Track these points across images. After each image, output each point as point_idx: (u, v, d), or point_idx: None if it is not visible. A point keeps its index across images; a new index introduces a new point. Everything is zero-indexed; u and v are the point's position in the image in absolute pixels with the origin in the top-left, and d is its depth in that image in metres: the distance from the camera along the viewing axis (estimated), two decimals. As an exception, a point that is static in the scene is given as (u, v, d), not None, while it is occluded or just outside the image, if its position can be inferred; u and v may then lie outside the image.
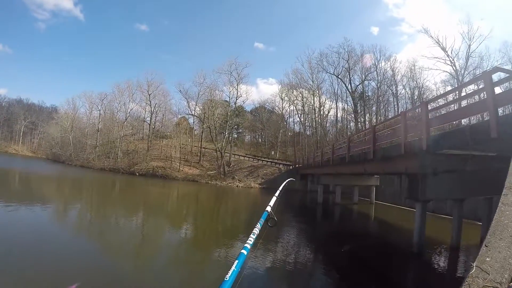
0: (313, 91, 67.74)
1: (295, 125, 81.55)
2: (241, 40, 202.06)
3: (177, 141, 68.11)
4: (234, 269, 1.66)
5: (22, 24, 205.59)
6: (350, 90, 64.91)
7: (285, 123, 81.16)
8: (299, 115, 72.96)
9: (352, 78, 65.45)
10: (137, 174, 61.08)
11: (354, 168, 22.29)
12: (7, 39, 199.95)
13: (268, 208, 3.06)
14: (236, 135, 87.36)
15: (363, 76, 63.94)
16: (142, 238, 15.93)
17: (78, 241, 13.77)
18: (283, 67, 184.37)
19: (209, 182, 54.84)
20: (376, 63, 62.88)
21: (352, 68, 64.69)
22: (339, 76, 66.12)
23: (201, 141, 70.19)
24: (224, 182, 54.19)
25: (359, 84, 64.70)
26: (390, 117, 52.93)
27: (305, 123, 71.61)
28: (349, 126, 66.78)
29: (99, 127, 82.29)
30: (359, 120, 63.12)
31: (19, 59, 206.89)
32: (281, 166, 59.31)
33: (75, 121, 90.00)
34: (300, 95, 70.01)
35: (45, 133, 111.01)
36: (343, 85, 66.06)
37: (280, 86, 78.40)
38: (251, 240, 2.10)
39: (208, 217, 24.57)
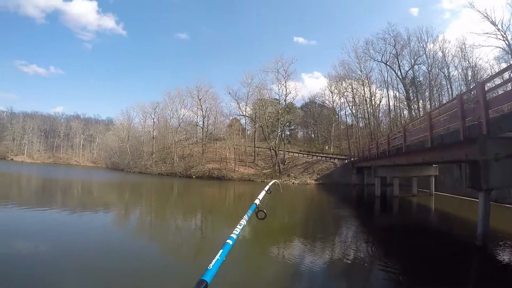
0: (362, 81, 66.04)
1: (347, 117, 78.95)
2: (280, 36, 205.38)
3: (230, 142, 69.04)
4: (218, 258, 1.62)
5: (69, 47, 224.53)
6: (400, 77, 61.60)
7: (337, 116, 79.03)
8: (351, 107, 71.34)
9: (401, 63, 62.06)
10: (193, 177, 62.11)
11: (412, 158, 21.37)
12: (58, 61, 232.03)
13: (257, 201, 2.85)
14: (288, 132, 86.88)
15: (412, 61, 60.38)
16: (201, 238, 16.09)
17: (140, 242, 14.16)
18: (327, 59, 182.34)
19: (265, 180, 54.26)
20: (424, 46, 59.41)
21: (400, 54, 61.33)
22: (388, 63, 63.17)
23: (255, 140, 70.49)
24: (280, 180, 53.48)
25: (409, 69, 61.34)
26: (444, 101, 50.80)
27: (357, 114, 69.91)
28: (402, 115, 63.78)
29: (154, 134, 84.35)
30: (412, 107, 59.98)
31: (71, 79, 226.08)
32: (336, 160, 57.98)
33: (130, 130, 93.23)
34: (350, 86, 68.45)
35: (103, 144, 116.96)
36: (393, 72, 63.09)
37: (328, 79, 76.39)
38: (237, 230, 1.97)
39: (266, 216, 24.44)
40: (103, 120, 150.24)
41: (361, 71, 66.22)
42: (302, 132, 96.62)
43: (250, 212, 2.66)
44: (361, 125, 70.21)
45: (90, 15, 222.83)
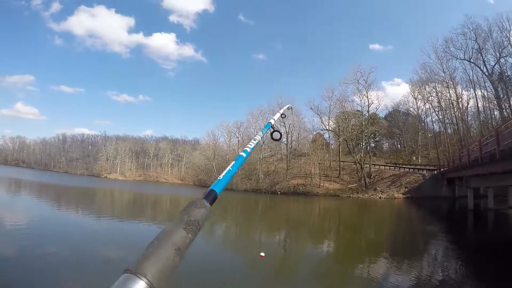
0: (446, 82, 63.22)
1: (434, 124, 75.43)
2: (355, 45, 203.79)
3: (315, 157, 69.07)
4: (230, 169, 1.60)
5: (154, 76, 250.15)
6: (487, 73, 57.53)
7: (423, 124, 76.51)
8: (437, 112, 68.55)
9: (485, 58, 57.79)
10: (278, 193, 62.96)
11: (507, 165, 19.68)
12: (146, 90, 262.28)
13: (272, 121, 2.93)
14: (373, 144, 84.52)
15: (498, 54, 55.63)
16: (284, 252, 16.60)
17: (224, 256, 15.12)
18: (406, 64, 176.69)
19: (351, 195, 54.90)
20: (508, 35, 54.40)
21: (483, 48, 57.09)
22: (471, 60, 59.46)
23: (339, 154, 69.70)
24: (366, 195, 53.68)
25: (495, 63, 56.56)
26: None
27: (444, 120, 67.41)
28: (493, 116, 60.06)
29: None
30: (503, 106, 56.08)
31: (158, 105, 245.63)
32: (424, 171, 55.78)
33: (216, 149, 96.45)
34: (434, 90, 65.80)
35: (190, 162, 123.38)
36: (478, 69, 59.13)
37: (410, 84, 74.10)
38: (251, 145, 1.93)
39: (349, 233, 24.67)
40: (190, 141, 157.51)
41: (444, 72, 63.65)
42: (387, 143, 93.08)
43: (265, 129, 2.75)
44: (449, 131, 67.50)
45: (170, 46, 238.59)
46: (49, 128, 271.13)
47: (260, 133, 2.56)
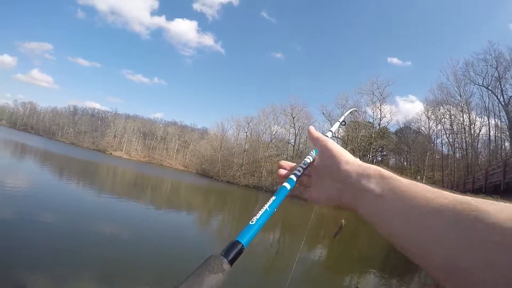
0: (461, 106, 62.37)
1: (443, 146, 73.33)
2: (373, 57, 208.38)
3: (320, 163, 68.21)
4: (267, 209, 0.80)
5: (172, 61, 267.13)
6: (503, 103, 55.38)
7: (432, 144, 74.41)
8: (448, 135, 67.64)
9: (504, 88, 55.54)
10: (280, 192, 62.58)
11: (510, 197, 18.58)
12: (161, 74, 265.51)
13: (329, 134, 1.80)
14: (380, 158, 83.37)
15: None
16: (275, 253, 16.77)
17: (212, 247, 15.06)
18: (422, 82, 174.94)
19: (351, 206, 54.15)
20: None
21: (502, 77, 55.00)
22: (489, 87, 57.87)
23: (345, 164, 68.33)
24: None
25: None
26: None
27: (454, 144, 66.55)
28: (503, 146, 58.76)
29: (246, 147, 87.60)
30: None
31: (172, 89, 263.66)
32: (427, 193, 54.46)
33: (223, 141, 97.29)
34: (448, 112, 64.96)
35: (196, 150, 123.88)
36: (494, 97, 57.51)
37: (425, 103, 72.71)
38: (299, 171, 1.17)
39: (343, 244, 24.65)
40: (198, 129, 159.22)
41: (460, 95, 62.72)
42: (394, 159, 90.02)
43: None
44: (457, 155, 66.35)
45: (191, 33, 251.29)
46: (61, 98, 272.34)
47: (313, 152, 1.71)
